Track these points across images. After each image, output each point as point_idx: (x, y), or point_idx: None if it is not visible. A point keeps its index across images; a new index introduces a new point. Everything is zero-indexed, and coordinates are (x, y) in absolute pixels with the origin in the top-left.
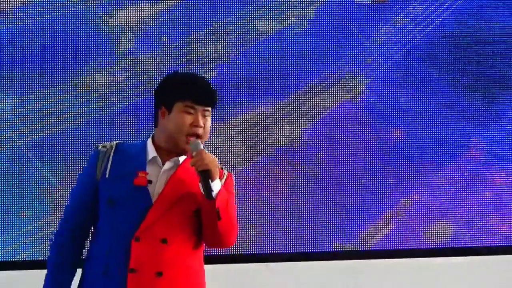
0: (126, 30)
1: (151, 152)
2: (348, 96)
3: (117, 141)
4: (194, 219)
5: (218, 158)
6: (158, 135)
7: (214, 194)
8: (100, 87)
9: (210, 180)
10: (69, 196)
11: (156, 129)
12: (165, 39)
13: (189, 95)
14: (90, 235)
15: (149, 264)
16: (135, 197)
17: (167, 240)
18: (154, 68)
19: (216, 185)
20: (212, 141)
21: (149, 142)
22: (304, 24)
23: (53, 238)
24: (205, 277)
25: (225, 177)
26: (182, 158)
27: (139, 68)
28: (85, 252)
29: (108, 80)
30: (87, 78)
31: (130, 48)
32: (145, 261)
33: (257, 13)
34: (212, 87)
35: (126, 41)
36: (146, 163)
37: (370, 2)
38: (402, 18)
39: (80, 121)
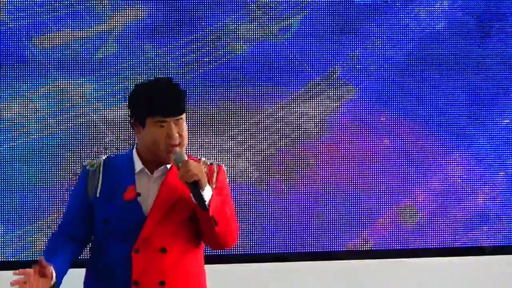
0: (126, 29)
1: (138, 164)
2: (348, 96)
3: (104, 157)
4: (191, 224)
5: (218, 158)
6: (139, 146)
7: (206, 203)
8: (100, 87)
9: (200, 190)
10: (63, 215)
11: (137, 140)
12: (166, 39)
13: (157, 110)
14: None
15: (151, 274)
16: (128, 212)
17: (166, 249)
18: (154, 68)
19: (207, 193)
20: (212, 141)
21: (134, 153)
22: (304, 24)
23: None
24: (206, 279)
25: (215, 173)
26: (169, 165)
27: (139, 68)
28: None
29: (108, 80)
30: (87, 78)
31: (130, 47)
32: (147, 272)
33: (257, 13)
34: (179, 94)
35: (126, 41)
36: (135, 176)
37: (370, 2)
38: (402, 18)
39: (80, 121)
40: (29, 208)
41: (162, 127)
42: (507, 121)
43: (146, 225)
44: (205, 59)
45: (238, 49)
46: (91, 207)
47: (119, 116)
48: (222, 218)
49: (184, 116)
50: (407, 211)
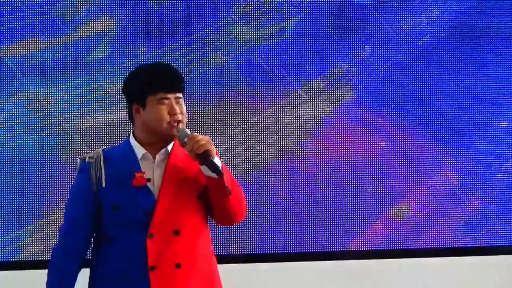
0: (126, 29)
1: (139, 150)
2: (348, 96)
3: (101, 148)
4: (199, 205)
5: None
6: (138, 132)
7: (220, 169)
8: (100, 86)
9: (212, 158)
10: (65, 209)
11: (134, 126)
12: (166, 39)
13: (159, 87)
14: (92, 242)
15: (167, 258)
16: (139, 198)
17: (179, 231)
18: None
19: (217, 161)
20: (212, 141)
21: (133, 140)
22: (303, 24)
23: (54, 247)
24: (216, 261)
25: None
26: (169, 147)
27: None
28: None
29: (108, 79)
30: (87, 77)
31: (131, 47)
32: (163, 256)
33: (257, 13)
34: (177, 71)
35: (126, 41)
36: (139, 162)
37: (370, 1)
38: (402, 18)
39: (80, 121)
40: (29, 208)
41: (164, 104)
42: (507, 121)
43: (157, 210)
44: (205, 59)
45: (238, 49)
46: (96, 199)
47: (119, 116)
48: (234, 186)
49: (182, 97)
50: (407, 211)
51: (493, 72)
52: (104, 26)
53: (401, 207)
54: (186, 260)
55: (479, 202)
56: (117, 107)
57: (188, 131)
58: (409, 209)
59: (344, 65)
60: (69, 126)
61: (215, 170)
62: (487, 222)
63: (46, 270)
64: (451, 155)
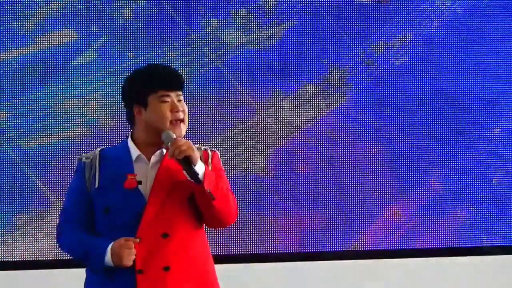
0: (126, 29)
1: (134, 151)
2: (348, 96)
3: (99, 149)
4: (191, 207)
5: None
6: (138, 133)
7: (200, 176)
8: (100, 87)
9: (192, 165)
10: (62, 209)
11: (134, 127)
12: (166, 39)
13: (160, 85)
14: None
15: (155, 261)
16: (129, 200)
17: (168, 233)
18: None
19: (200, 167)
20: (213, 141)
21: (130, 142)
22: (304, 24)
23: (58, 238)
24: (212, 263)
25: (210, 157)
26: (165, 149)
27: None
28: None
29: (108, 80)
30: (87, 78)
31: (131, 47)
32: (151, 259)
33: (257, 13)
34: (176, 70)
35: (126, 41)
36: (133, 164)
37: (371, 2)
38: (402, 18)
39: (81, 121)
40: (29, 208)
41: (165, 102)
42: (505, 122)
43: (147, 212)
44: (205, 59)
45: (238, 49)
46: (90, 200)
47: (119, 116)
48: (218, 192)
49: (182, 95)
50: (406, 211)
51: (492, 73)
52: (104, 26)
53: (400, 207)
54: (177, 263)
55: (478, 202)
56: (117, 107)
57: (173, 135)
58: (408, 209)
59: (343, 66)
60: (69, 126)
61: (194, 176)
62: (486, 222)
63: (46, 270)
64: (450, 155)
